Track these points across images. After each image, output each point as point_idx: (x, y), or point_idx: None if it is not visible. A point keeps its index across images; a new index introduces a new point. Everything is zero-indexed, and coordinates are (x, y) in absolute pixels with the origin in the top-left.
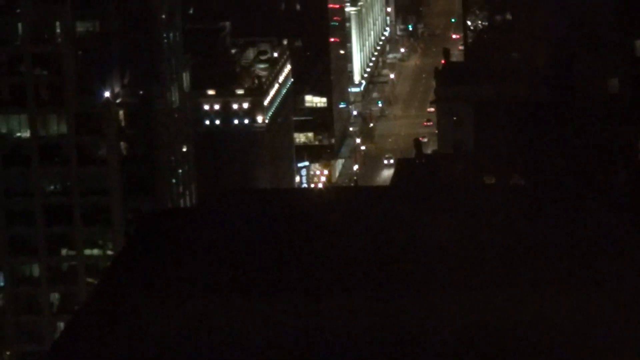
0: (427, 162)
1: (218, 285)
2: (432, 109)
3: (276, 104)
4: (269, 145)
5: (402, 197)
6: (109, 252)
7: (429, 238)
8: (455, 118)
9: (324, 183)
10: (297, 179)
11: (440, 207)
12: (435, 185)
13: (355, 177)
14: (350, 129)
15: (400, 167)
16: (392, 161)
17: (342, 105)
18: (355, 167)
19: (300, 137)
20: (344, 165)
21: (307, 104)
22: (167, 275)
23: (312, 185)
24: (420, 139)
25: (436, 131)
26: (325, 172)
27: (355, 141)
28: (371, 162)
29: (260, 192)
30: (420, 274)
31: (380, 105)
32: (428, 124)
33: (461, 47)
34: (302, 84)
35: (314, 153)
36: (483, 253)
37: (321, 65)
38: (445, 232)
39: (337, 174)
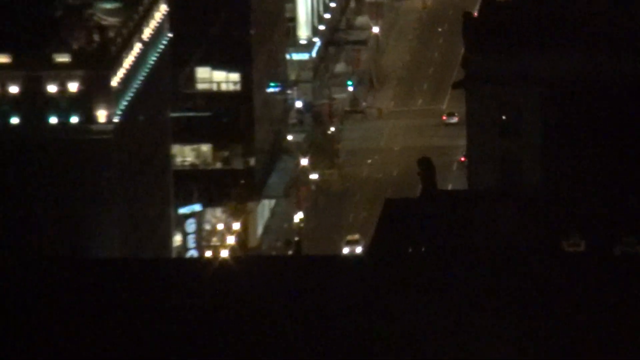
0: (443, 204)
1: None
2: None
3: (135, 84)
4: (119, 166)
5: (384, 284)
6: None
7: None
8: (503, 117)
9: (231, 248)
10: (178, 238)
11: (469, 305)
12: (461, 255)
13: (296, 238)
14: (289, 137)
15: (390, 214)
16: (358, 249)
17: (272, 89)
18: (298, 217)
19: (187, 154)
20: (274, 212)
21: (201, 85)
22: None
23: (208, 253)
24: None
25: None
26: (236, 225)
27: (298, 163)
28: (331, 206)
29: (97, 264)
30: None
31: (351, 88)
32: (452, 120)
33: None
34: (190, 45)
35: (213, 186)
36: None
37: (229, 9)
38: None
39: (259, 230)
